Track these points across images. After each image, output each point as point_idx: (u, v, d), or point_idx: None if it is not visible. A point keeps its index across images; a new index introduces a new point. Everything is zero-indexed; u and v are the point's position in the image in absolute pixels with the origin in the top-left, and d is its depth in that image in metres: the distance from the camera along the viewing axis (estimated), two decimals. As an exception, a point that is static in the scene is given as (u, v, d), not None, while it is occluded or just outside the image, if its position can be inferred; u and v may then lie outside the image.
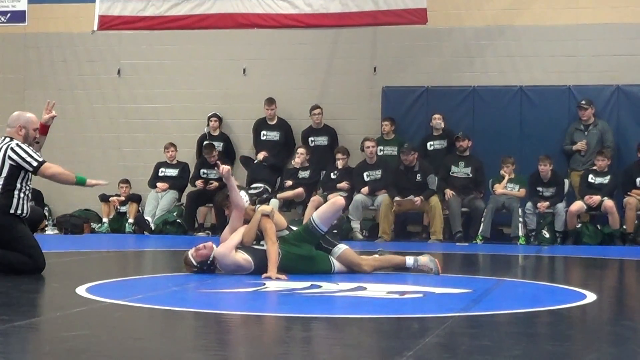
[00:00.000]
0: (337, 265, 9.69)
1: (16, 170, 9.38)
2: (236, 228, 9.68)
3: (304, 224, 9.95)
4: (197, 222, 16.95)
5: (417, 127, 16.94)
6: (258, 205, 10.14)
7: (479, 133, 16.54)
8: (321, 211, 9.89)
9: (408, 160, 15.54)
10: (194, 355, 5.58)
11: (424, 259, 9.99)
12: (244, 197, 9.89)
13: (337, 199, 10.31)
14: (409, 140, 16.32)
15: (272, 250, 9.37)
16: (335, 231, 15.39)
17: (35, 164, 9.37)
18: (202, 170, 16.98)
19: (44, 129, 10.09)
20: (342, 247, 9.81)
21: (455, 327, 6.51)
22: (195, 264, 9.59)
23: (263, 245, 9.54)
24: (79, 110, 18.44)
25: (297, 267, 9.47)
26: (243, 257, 9.48)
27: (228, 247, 9.52)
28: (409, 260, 9.97)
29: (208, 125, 17.56)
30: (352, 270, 9.72)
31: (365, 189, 15.82)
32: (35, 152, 9.47)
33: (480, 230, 15.25)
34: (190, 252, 9.65)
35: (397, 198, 15.37)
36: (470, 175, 15.84)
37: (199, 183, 16.83)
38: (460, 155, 16.01)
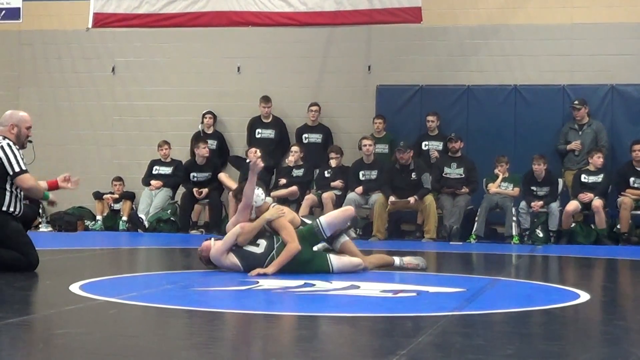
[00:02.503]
0: (335, 265, 9.57)
1: (3, 169, 9.36)
2: (240, 221, 9.64)
3: (308, 224, 9.87)
4: (191, 220, 16.93)
5: (412, 125, 16.93)
6: (273, 204, 10.12)
7: (473, 132, 16.56)
8: (330, 216, 9.93)
9: (404, 158, 15.51)
10: (188, 353, 5.57)
11: (407, 258, 10.15)
12: (261, 195, 9.83)
13: (348, 208, 10.38)
14: (403, 139, 16.30)
15: (289, 249, 9.37)
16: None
17: (17, 169, 9.35)
18: (192, 174, 16.90)
19: (54, 185, 9.93)
20: (345, 238, 9.90)
21: (449, 326, 6.52)
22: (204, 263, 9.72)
23: (258, 246, 9.50)
24: (73, 107, 18.43)
25: (294, 270, 9.41)
26: (232, 262, 9.48)
27: (220, 250, 9.52)
28: (396, 260, 10.08)
29: (202, 122, 17.55)
30: (349, 271, 9.62)
31: (359, 189, 15.81)
32: (23, 160, 9.44)
33: (474, 229, 15.26)
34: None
35: (392, 198, 15.33)
36: (463, 176, 15.84)
37: (195, 190, 16.66)
38: (453, 156, 16.00)
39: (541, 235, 15.10)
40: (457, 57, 17.14)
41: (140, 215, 16.80)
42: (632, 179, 15.32)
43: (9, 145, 9.40)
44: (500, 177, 15.60)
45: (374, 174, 15.99)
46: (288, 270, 9.35)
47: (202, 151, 16.70)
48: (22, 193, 9.58)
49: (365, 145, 16.02)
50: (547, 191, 15.40)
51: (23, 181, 9.42)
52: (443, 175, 15.87)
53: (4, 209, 9.36)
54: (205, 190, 16.45)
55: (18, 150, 9.47)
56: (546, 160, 15.43)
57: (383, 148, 16.57)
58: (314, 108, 17.10)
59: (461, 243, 14.95)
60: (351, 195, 15.76)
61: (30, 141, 9.78)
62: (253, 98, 17.36)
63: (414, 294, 8.27)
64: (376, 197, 15.64)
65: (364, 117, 17.22)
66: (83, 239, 15.31)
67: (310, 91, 17.52)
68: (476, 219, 15.32)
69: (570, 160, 15.97)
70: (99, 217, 17.32)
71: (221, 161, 17.48)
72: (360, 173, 16.06)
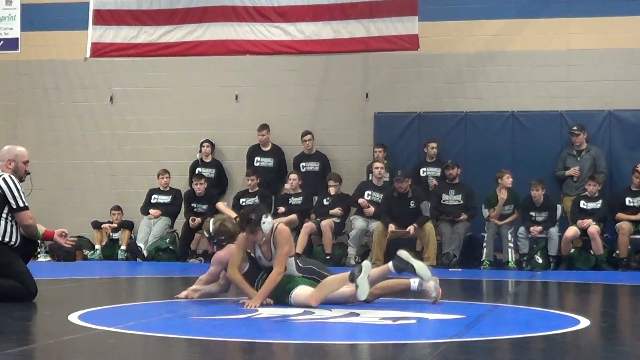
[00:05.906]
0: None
1: (3, 200, 9.36)
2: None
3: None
4: (190, 248, 16.90)
5: (409, 153, 16.95)
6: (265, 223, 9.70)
7: (471, 158, 16.56)
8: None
9: (402, 187, 15.50)
10: (187, 383, 5.56)
11: (430, 284, 9.43)
12: (269, 222, 9.26)
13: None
14: (401, 167, 16.32)
15: (272, 279, 9.16)
16: (328, 257, 15.42)
17: (21, 204, 9.40)
18: (192, 204, 16.97)
19: (50, 236, 9.96)
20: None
21: (449, 353, 6.50)
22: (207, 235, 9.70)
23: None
24: (71, 137, 18.45)
25: (281, 300, 9.24)
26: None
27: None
28: (413, 283, 9.68)
29: (200, 151, 17.56)
30: (338, 302, 9.41)
31: (369, 210, 15.75)
32: (25, 196, 9.46)
33: (484, 255, 15.22)
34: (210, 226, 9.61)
35: (392, 227, 15.30)
36: (461, 202, 15.84)
37: (192, 222, 16.72)
38: (450, 183, 16.01)
39: (540, 261, 15.08)
40: (454, 84, 17.17)
41: (139, 244, 16.79)
42: (627, 199, 15.36)
43: (10, 177, 9.42)
44: (500, 203, 15.52)
45: (378, 197, 15.94)
46: (279, 301, 9.23)
47: (198, 188, 16.76)
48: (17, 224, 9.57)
49: (377, 169, 15.99)
50: (546, 216, 15.39)
51: (24, 218, 9.45)
52: (441, 202, 15.88)
53: (0, 238, 9.35)
54: (198, 220, 16.45)
55: (19, 183, 9.49)
56: (544, 186, 15.43)
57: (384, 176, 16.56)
58: (307, 137, 17.10)
59: (460, 270, 14.94)
60: (359, 224, 15.71)
61: (28, 173, 9.80)
62: (251, 126, 17.38)
63: (414, 321, 8.25)
64: (375, 224, 15.63)
65: (361, 144, 17.24)
66: (82, 268, 15.28)
67: (307, 119, 17.54)
68: (484, 244, 15.30)
69: (568, 186, 15.97)
70: (97, 247, 17.29)
71: (219, 190, 17.49)
72: (366, 193, 16.04)
